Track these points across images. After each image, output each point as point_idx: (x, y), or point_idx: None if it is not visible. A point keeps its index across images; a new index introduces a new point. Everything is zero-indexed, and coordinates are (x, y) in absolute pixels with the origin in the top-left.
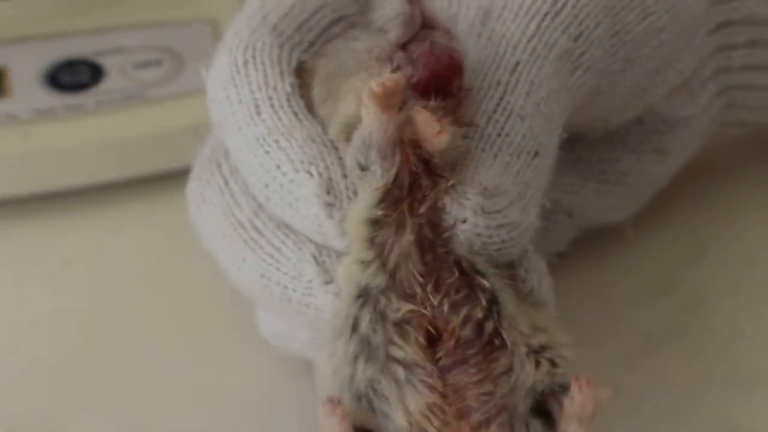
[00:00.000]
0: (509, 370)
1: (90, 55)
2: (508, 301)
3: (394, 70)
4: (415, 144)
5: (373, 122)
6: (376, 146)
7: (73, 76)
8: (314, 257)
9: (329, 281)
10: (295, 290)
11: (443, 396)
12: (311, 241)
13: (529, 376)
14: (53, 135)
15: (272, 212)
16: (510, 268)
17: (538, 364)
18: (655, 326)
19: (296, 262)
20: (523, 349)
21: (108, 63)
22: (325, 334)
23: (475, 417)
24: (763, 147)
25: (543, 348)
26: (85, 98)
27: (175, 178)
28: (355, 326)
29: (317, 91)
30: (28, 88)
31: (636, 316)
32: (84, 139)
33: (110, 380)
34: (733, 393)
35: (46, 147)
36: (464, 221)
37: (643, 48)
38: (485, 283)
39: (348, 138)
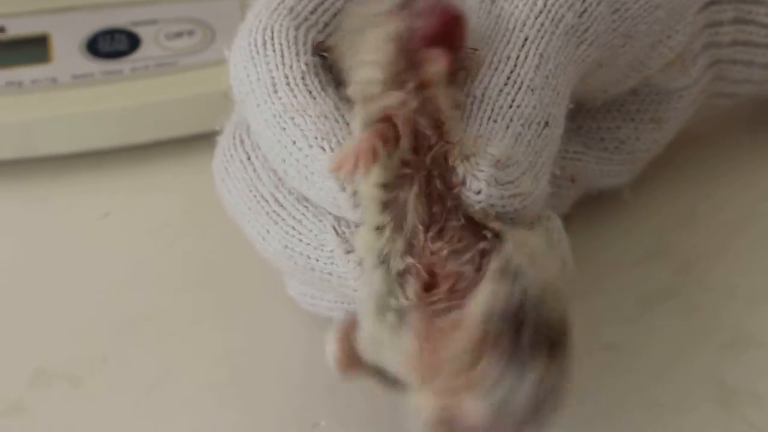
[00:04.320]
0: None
1: (127, 25)
2: (510, 237)
3: (400, 25)
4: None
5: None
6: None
7: (111, 45)
8: (334, 228)
9: (350, 250)
10: (317, 260)
11: (427, 340)
12: (330, 212)
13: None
14: (91, 98)
15: (291, 186)
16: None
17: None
18: (649, 286)
19: (317, 233)
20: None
21: (144, 32)
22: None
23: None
24: (747, 119)
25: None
26: (122, 65)
27: (205, 139)
28: (374, 291)
29: (339, 51)
30: (69, 54)
31: (630, 276)
32: (120, 102)
33: (139, 335)
34: (723, 350)
35: (85, 110)
36: (479, 192)
37: (640, 24)
38: (495, 226)
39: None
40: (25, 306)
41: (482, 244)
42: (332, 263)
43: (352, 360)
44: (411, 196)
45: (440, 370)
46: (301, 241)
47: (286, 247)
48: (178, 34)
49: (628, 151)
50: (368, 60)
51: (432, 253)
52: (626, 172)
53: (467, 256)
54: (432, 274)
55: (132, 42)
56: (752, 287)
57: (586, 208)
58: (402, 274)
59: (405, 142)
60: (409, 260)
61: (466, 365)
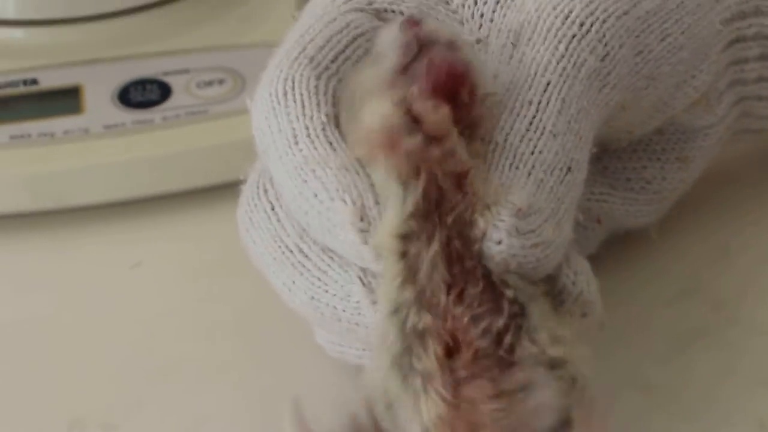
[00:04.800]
0: (526, 387)
1: (158, 75)
2: (535, 313)
3: (398, 96)
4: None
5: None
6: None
7: (143, 95)
8: (360, 279)
9: (376, 301)
10: (344, 310)
11: (455, 408)
12: (356, 263)
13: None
14: (123, 148)
15: (315, 237)
16: (547, 282)
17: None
18: (682, 325)
19: (343, 284)
20: (540, 367)
21: (174, 82)
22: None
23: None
24: None
25: (560, 362)
26: (153, 114)
27: (235, 187)
28: (387, 341)
29: (341, 119)
30: (101, 105)
31: (663, 315)
32: (151, 151)
33: (172, 382)
34: (760, 388)
35: (117, 159)
36: (499, 242)
37: (663, 65)
38: (510, 293)
39: None
40: (59, 357)
41: (501, 321)
42: (359, 314)
43: None
44: (431, 253)
45: None
46: (327, 292)
47: (313, 298)
48: (209, 83)
49: (654, 191)
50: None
51: (454, 317)
52: (653, 212)
53: (484, 324)
54: (454, 339)
55: (163, 91)
56: None
57: (614, 248)
58: (422, 335)
59: (428, 192)
60: (428, 319)
61: None
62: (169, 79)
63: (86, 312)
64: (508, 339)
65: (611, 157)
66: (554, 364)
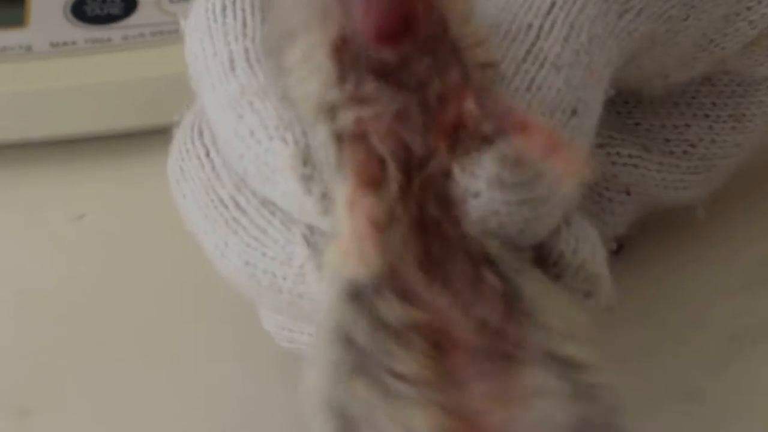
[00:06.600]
0: (542, 390)
1: None
2: (536, 294)
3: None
4: None
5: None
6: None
7: (102, 7)
8: (305, 237)
9: (323, 266)
10: (285, 278)
11: (461, 419)
12: (301, 219)
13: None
14: (71, 71)
15: (254, 187)
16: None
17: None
18: (741, 326)
19: (285, 245)
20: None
21: None
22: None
23: None
24: None
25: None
26: (111, 32)
27: None
28: (344, 335)
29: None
30: (50, 17)
31: (718, 314)
32: (106, 77)
33: (99, 365)
34: None
35: (61, 85)
36: (477, 195)
37: None
38: (495, 279)
39: (329, 118)
40: None
41: (498, 307)
42: (302, 282)
43: None
44: (401, 235)
45: None
46: (264, 255)
47: (248, 263)
48: None
49: (700, 156)
50: (309, 77)
51: (439, 307)
52: (699, 183)
53: (478, 312)
54: (442, 333)
55: (127, 4)
56: None
57: (654, 232)
58: (401, 331)
59: (391, 170)
60: (406, 309)
61: None
62: None
63: (10, 274)
64: (511, 331)
65: (645, 112)
66: (569, 362)
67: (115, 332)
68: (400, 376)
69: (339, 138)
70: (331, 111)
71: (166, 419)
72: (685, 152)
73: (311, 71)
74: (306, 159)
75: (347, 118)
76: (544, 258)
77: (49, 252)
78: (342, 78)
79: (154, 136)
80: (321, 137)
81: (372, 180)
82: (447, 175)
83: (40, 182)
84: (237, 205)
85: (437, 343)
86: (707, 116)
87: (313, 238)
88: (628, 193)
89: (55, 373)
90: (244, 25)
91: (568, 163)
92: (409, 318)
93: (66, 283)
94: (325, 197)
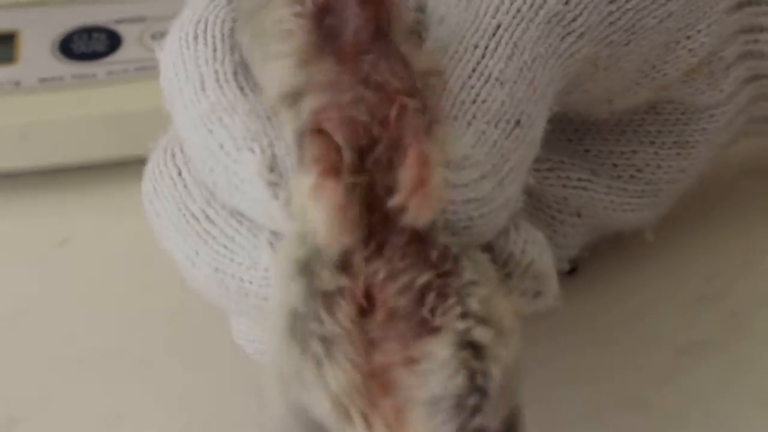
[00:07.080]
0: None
1: (108, 23)
2: (469, 268)
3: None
4: None
5: None
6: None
7: (87, 45)
8: (270, 243)
9: None
10: (251, 282)
11: (370, 374)
12: (267, 227)
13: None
14: (58, 105)
15: (223, 200)
16: (489, 250)
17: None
18: (688, 340)
19: (251, 251)
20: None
21: (126, 31)
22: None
23: (401, 398)
24: None
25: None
26: (96, 68)
27: None
28: (289, 306)
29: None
30: (38, 54)
31: (665, 328)
32: (90, 111)
33: (85, 375)
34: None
35: (49, 118)
36: None
37: (646, 18)
38: (434, 252)
39: (292, 106)
40: None
41: (425, 277)
42: (267, 285)
43: None
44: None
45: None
46: (233, 261)
47: (217, 269)
48: (165, 34)
49: (647, 180)
50: (277, 52)
51: (370, 273)
52: (646, 206)
53: (405, 279)
54: (369, 298)
55: (112, 41)
56: None
57: (604, 254)
58: (330, 296)
59: (347, 154)
60: (343, 280)
61: None
62: (120, 28)
63: (1, 293)
64: (430, 298)
65: (594, 138)
66: (477, 348)
67: (97, 347)
68: (322, 338)
69: (300, 133)
70: (294, 97)
71: (144, 426)
72: (632, 177)
73: (282, 34)
74: (272, 166)
75: (310, 106)
76: (494, 259)
77: (37, 274)
78: (314, 51)
79: (137, 166)
80: (285, 128)
81: (332, 167)
82: (392, 162)
83: (27, 209)
84: (207, 217)
85: (362, 307)
86: (653, 143)
87: (277, 244)
88: (579, 216)
89: (42, 384)
90: (215, 50)
91: (424, 201)
92: (337, 284)
93: (50, 303)
94: (290, 203)
